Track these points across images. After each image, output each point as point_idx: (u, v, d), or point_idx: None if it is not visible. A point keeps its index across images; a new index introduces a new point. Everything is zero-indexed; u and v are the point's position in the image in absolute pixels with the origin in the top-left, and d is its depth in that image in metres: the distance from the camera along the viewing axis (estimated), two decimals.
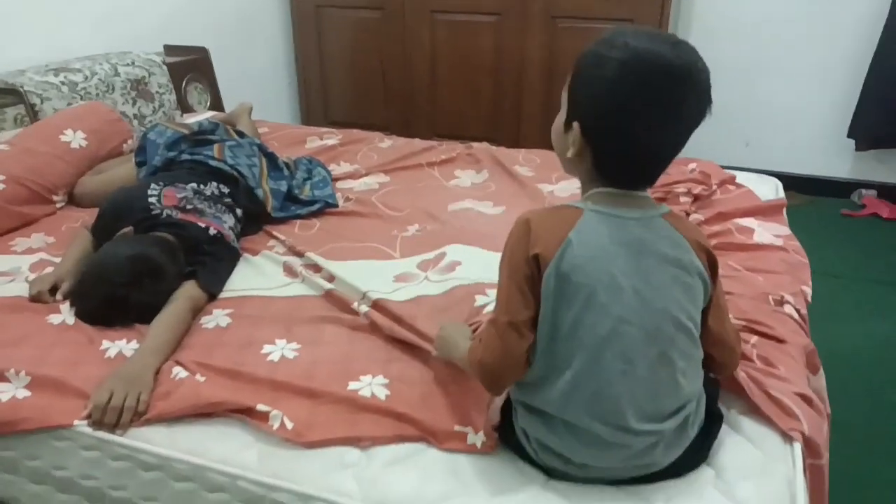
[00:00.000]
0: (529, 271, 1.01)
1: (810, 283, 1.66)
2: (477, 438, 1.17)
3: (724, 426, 1.16)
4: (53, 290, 1.61)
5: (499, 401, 1.17)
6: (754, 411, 1.21)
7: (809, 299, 1.59)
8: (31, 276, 1.69)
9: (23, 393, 1.31)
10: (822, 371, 1.46)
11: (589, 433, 1.02)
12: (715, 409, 1.16)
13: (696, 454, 1.10)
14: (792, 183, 3.55)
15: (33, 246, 1.88)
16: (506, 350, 1.03)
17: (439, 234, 1.85)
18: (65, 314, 1.55)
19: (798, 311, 1.50)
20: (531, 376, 1.05)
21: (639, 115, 0.95)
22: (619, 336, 0.99)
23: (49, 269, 1.70)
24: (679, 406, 1.05)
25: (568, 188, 2.16)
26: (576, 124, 1.01)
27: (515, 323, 1.02)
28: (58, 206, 2.10)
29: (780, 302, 1.49)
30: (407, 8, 3.53)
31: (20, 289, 1.64)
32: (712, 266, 1.08)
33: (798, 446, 1.15)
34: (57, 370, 1.35)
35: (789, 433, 1.16)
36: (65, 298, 1.59)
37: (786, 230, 1.86)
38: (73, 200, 2.15)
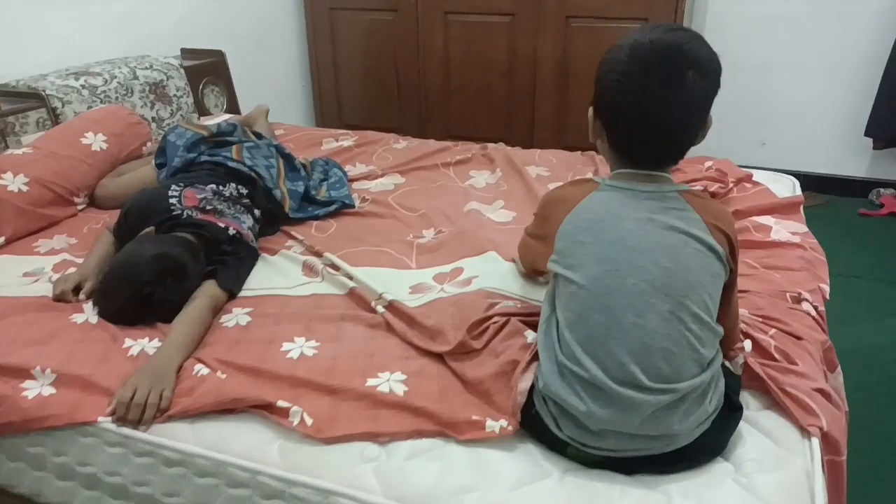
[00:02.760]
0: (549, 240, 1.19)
1: (828, 280, 1.65)
2: (496, 425, 1.17)
3: (742, 421, 1.17)
4: (76, 289, 1.64)
5: (525, 382, 1.18)
6: (773, 406, 1.22)
7: (827, 296, 1.59)
8: (55, 277, 1.72)
9: (48, 390, 1.34)
10: (839, 369, 1.46)
11: (604, 395, 1.05)
12: (735, 401, 1.17)
13: (715, 440, 1.11)
14: (809, 182, 3.53)
15: (56, 247, 1.91)
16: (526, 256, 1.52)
17: (455, 244, 1.84)
18: (88, 313, 1.57)
19: (816, 307, 1.50)
20: (561, 328, 1.12)
21: (636, 89, 1.05)
22: (625, 288, 1.05)
23: (72, 270, 1.73)
24: (695, 373, 1.07)
25: None
26: (591, 108, 1.14)
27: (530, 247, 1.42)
28: (79, 207, 2.13)
29: (798, 299, 1.49)
30: (420, 9, 3.55)
31: (44, 289, 1.66)
32: (732, 250, 1.12)
33: (816, 442, 1.16)
34: (82, 368, 1.37)
35: (808, 428, 1.17)
36: (88, 298, 1.62)
37: (803, 227, 1.85)
38: (93, 202, 2.18)
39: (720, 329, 1.12)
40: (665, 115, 1.06)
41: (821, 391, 1.23)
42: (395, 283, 1.69)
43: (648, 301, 1.04)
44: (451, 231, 1.92)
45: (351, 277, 1.69)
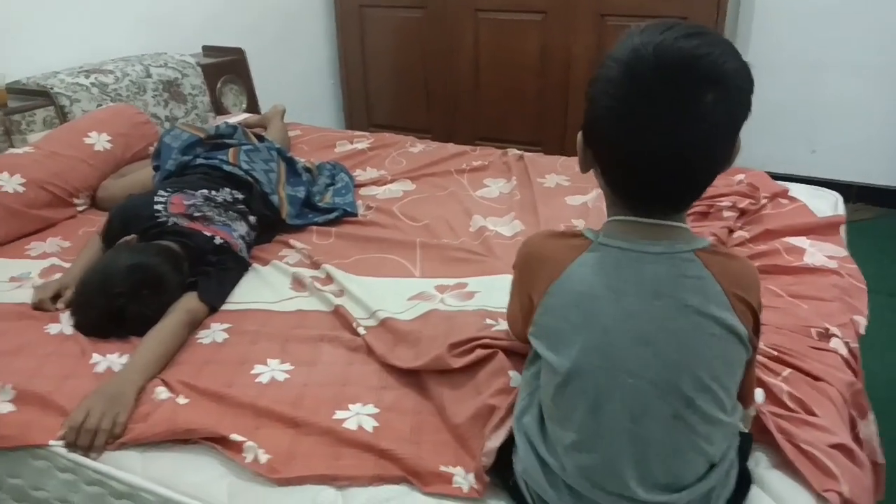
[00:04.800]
0: (529, 306, 0.99)
1: (866, 311, 1.48)
2: (465, 481, 1.06)
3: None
4: (56, 297, 1.58)
5: (495, 441, 1.06)
6: (784, 465, 1.06)
7: (862, 330, 1.42)
8: (39, 282, 1.66)
9: (7, 407, 1.27)
10: (871, 416, 1.29)
11: (593, 502, 0.90)
12: (744, 470, 1.01)
13: None
14: (862, 193, 3.31)
15: (48, 250, 1.86)
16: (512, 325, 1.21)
17: (460, 257, 1.75)
18: (63, 324, 1.51)
19: (847, 344, 1.33)
20: (546, 418, 0.96)
21: (635, 117, 0.81)
22: (622, 389, 0.86)
23: (57, 275, 1.67)
24: (700, 475, 0.90)
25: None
26: (580, 133, 0.91)
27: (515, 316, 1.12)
28: (79, 209, 2.08)
29: (826, 335, 1.33)
30: (450, 7, 3.42)
31: (26, 295, 1.61)
32: (756, 324, 0.91)
33: None
34: (45, 384, 1.31)
35: (824, 494, 1.01)
36: (66, 307, 1.55)
37: (842, 251, 1.67)
38: (95, 204, 2.13)
39: (737, 419, 0.94)
40: (675, 151, 0.81)
41: (841, 447, 1.07)
42: (394, 291, 1.60)
43: (648, 403, 0.85)
44: (456, 245, 1.81)
45: (341, 293, 1.59)
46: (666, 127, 0.80)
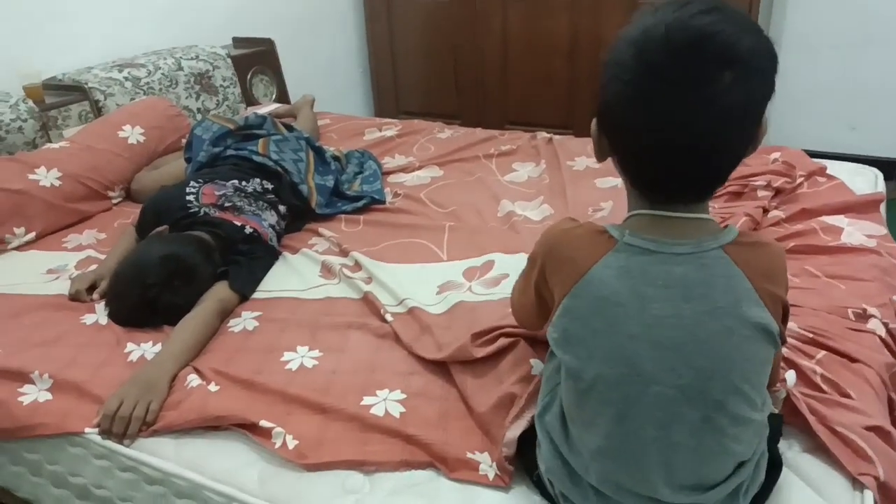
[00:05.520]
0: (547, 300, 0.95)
1: None
2: (491, 469, 1.06)
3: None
4: (92, 288, 1.61)
5: (516, 430, 1.05)
6: (817, 449, 1.04)
7: None
8: (76, 274, 1.70)
9: (44, 396, 1.30)
10: None
11: (616, 502, 0.89)
12: (775, 455, 0.98)
13: None
14: None
15: (83, 242, 1.90)
16: (521, 316, 1.13)
17: (487, 235, 1.75)
18: (99, 314, 1.54)
19: (886, 325, 1.29)
20: (568, 420, 0.93)
21: (648, 101, 0.77)
22: (648, 397, 0.83)
23: (93, 267, 1.71)
24: (729, 474, 0.87)
25: None
26: (594, 121, 0.87)
27: (524, 307, 1.05)
28: (114, 201, 2.12)
29: (863, 315, 1.29)
30: None
31: (63, 287, 1.64)
32: (785, 315, 0.88)
33: (870, 495, 0.97)
34: (81, 373, 1.34)
35: (859, 478, 0.98)
36: (101, 298, 1.59)
37: (882, 229, 1.62)
38: (130, 196, 2.16)
39: (767, 412, 0.91)
40: (689, 136, 0.77)
41: (878, 430, 1.04)
42: (422, 282, 1.60)
43: (676, 411, 0.82)
44: (483, 227, 1.81)
45: (370, 279, 1.60)
46: (678, 110, 0.76)
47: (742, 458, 0.87)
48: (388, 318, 1.43)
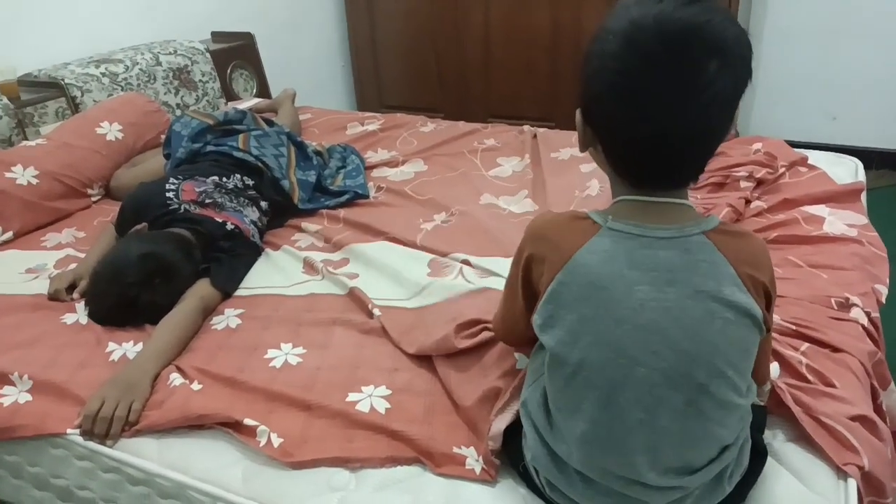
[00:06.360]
0: (529, 293, 0.95)
1: (887, 280, 1.45)
2: (477, 463, 1.06)
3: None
4: (71, 287, 1.59)
5: (501, 422, 1.05)
6: (802, 439, 1.04)
7: (883, 300, 1.39)
8: (55, 273, 1.68)
9: (24, 397, 1.28)
10: (893, 386, 1.26)
11: (602, 486, 0.90)
12: (759, 443, 0.99)
13: (731, 499, 0.94)
14: (884, 160, 3.23)
15: (63, 241, 1.87)
16: (506, 332, 1.12)
17: (463, 235, 1.73)
18: (79, 313, 1.52)
19: (868, 314, 1.30)
20: (552, 407, 0.93)
21: (638, 90, 0.78)
22: (633, 380, 0.83)
23: (73, 266, 1.68)
24: (713, 457, 0.88)
25: None
26: (578, 111, 0.88)
27: (513, 317, 1.03)
28: (93, 199, 2.09)
29: (846, 304, 1.30)
30: None
31: (42, 286, 1.62)
32: (769, 302, 0.89)
33: (854, 483, 0.98)
34: (61, 374, 1.32)
35: (843, 468, 0.99)
36: (81, 297, 1.56)
37: (862, 219, 1.63)
38: (109, 193, 2.14)
39: (751, 399, 0.91)
40: (680, 124, 0.79)
41: (862, 419, 1.05)
42: (413, 261, 1.63)
43: (661, 394, 0.83)
44: (463, 218, 1.81)
45: (355, 276, 1.59)
46: (671, 99, 0.77)
47: (726, 443, 0.88)
48: (376, 312, 1.42)
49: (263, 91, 3.05)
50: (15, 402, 1.27)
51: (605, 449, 0.87)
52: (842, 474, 0.99)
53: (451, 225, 1.80)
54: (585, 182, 1.92)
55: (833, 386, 1.09)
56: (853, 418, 1.04)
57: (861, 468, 0.99)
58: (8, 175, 1.89)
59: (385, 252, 1.70)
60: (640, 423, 0.84)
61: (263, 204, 1.84)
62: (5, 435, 1.25)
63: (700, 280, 0.83)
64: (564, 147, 2.22)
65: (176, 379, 1.27)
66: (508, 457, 1.05)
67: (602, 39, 0.81)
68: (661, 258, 0.83)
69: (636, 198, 0.86)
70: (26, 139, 2.13)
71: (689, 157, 0.84)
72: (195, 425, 1.18)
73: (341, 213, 1.91)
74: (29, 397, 1.28)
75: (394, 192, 2.01)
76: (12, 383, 1.31)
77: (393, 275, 1.58)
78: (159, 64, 2.53)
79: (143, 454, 1.16)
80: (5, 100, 2.09)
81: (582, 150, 0.91)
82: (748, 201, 1.72)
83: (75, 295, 1.57)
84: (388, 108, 3.66)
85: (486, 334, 1.23)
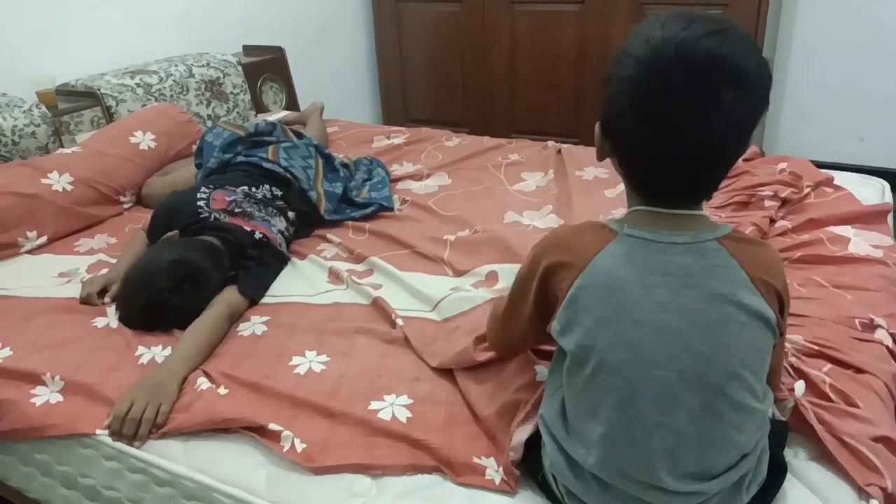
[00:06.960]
0: (544, 302, 0.96)
1: None
2: (497, 474, 1.07)
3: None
4: (103, 292, 1.63)
5: (522, 433, 1.06)
6: (824, 457, 1.04)
7: None
8: (87, 277, 1.72)
9: (56, 398, 1.32)
10: None
11: (619, 491, 0.90)
12: (780, 458, 0.99)
13: None
14: None
15: (95, 247, 1.91)
16: (502, 339, 1.17)
17: (488, 247, 1.74)
18: (110, 317, 1.55)
19: (893, 335, 1.29)
20: (569, 412, 0.95)
21: (656, 115, 0.81)
22: (651, 382, 0.85)
23: (104, 271, 1.72)
24: (731, 464, 0.89)
25: None
26: (598, 124, 0.92)
27: (516, 326, 1.06)
28: (125, 206, 2.14)
29: (870, 326, 1.29)
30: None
31: (74, 290, 1.66)
32: (782, 308, 0.90)
33: None
34: (91, 376, 1.35)
35: (866, 488, 0.99)
36: (112, 301, 1.60)
37: (888, 240, 1.63)
38: (141, 201, 2.18)
39: (768, 405, 0.93)
40: (695, 149, 0.82)
41: (885, 440, 1.04)
42: (437, 274, 1.65)
43: (678, 396, 0.84)
44: (487, 234, 1.81)
45: (379, 286, 1.61)
46: (687, 126, 0.81)
47: (745, 451, 0.89)
48: (399, 322, 1.44)
49: (292, 104, 3.10)
50: (46, 402, 1.31)
51: (622, 451, 0.88)
52: (864, 495, 0.99)
53: (476, 238, 1.81)
54: (610, 209, 1.92)
55: (856, 406, 1.09)
56: (876, 439, 1.04)
57: (884, 489, 0.98)
58: (44, 181, 1.94)
59: (409, 263, 1.72)
60: (658, 425, 0.85)
61: (291, 214, 1.88)
62: (37, 434, 1.28)
63: (715, 284, 0.85)
64: (588, 166, 2.23)
65: (203, 383, 1.30)
66: (528, 468, 1.06)
67: (623, 63, 0.84)
68: (676, 263, 0.86)
69: (651, 209, 0.90)
70: (62, 147, 2.19)
71: (703, 178, 0.88)
72: (221, 429, 1.21)
73: (366, 224, 1.93)
74: (60, 398, 1.32)
75: (418, 205, 2.03)
76: (44, 384, 1.35)
77: (415, 286, 1.60)
78: (192, 76, 2.59)
79: (170, 456, 1.19)
80: (43, 108, 2.15)
81: (599, 160, 0.95)
82: (773, 220, 1.72)
83: (106, 299, 1.61)
84: (413, 122, 3.70)
85: None
